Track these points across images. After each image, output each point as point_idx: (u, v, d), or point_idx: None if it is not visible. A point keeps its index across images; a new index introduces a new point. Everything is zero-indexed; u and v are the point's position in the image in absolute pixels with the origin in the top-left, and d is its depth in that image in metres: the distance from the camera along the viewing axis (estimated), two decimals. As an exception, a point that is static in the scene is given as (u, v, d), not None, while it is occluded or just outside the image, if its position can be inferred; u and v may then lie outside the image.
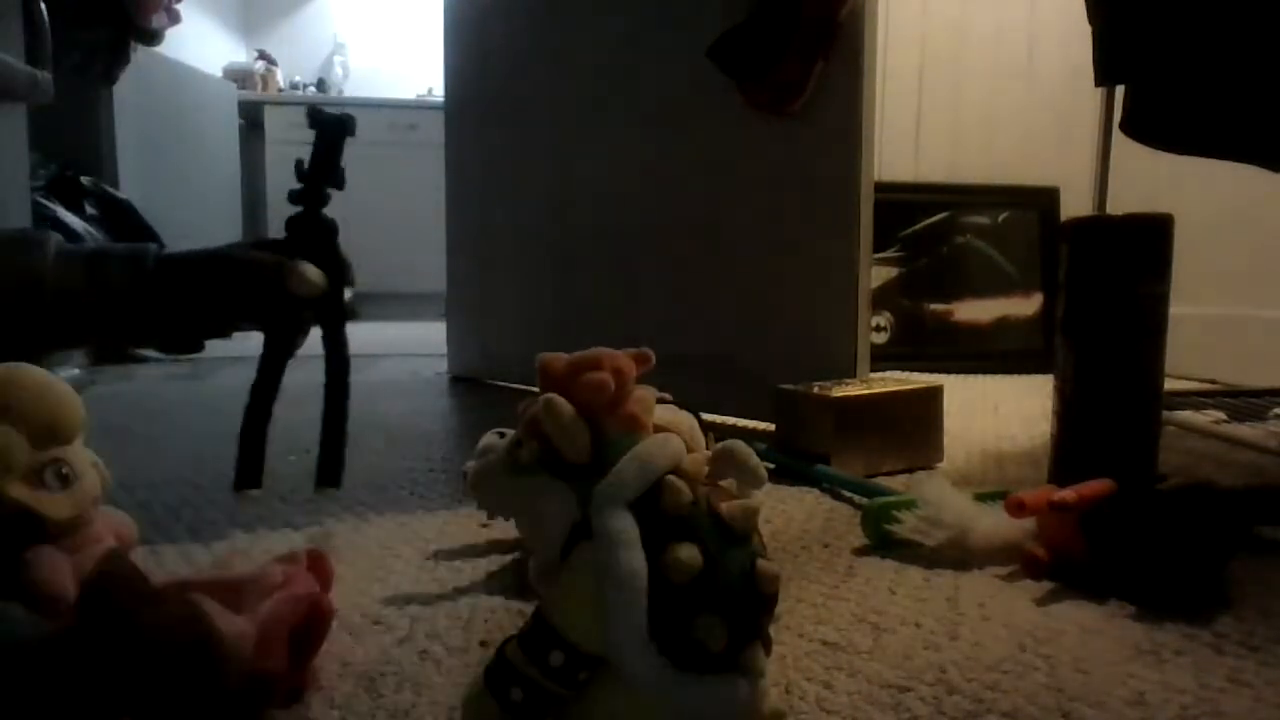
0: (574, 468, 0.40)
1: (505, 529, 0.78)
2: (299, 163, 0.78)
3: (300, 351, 0.80)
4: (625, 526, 0.37)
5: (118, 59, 2.46)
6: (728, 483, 0.42)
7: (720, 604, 0.37)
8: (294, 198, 0.77)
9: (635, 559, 0.37)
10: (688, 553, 0.36)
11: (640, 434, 0.41)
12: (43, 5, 1.51)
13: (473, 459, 0.54)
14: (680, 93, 1.35)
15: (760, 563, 0.38)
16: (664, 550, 0.37)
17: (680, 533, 0.37)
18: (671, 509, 0.38)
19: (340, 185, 0.78)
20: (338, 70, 4.67)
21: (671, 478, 0.39)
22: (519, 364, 1.66)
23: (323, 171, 0.77)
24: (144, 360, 2.33)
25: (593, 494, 0.39)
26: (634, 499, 0.38)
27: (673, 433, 0.42)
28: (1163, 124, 0.99)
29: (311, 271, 0.69)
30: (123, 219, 2.34)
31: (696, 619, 0.36)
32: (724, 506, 0.39)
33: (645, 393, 0.44)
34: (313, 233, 0.77)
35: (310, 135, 0.78)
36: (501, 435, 0.50)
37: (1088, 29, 0.99)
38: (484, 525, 0.81)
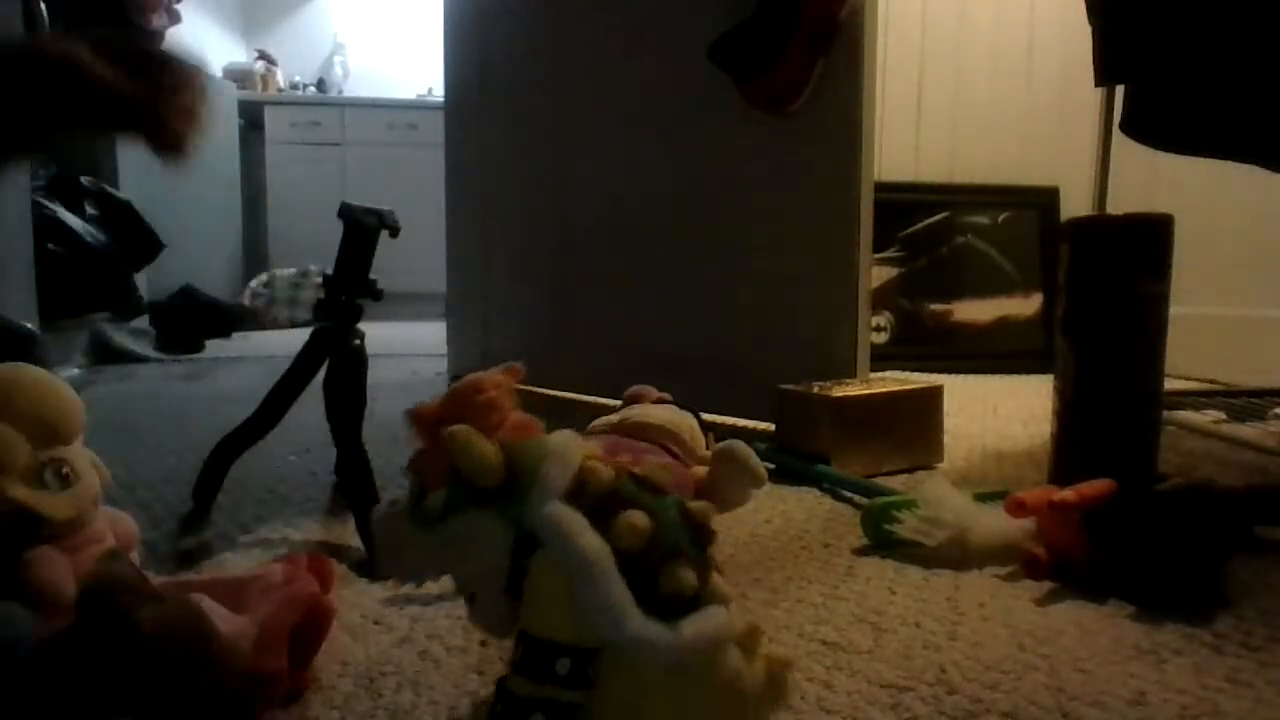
0: (490, 491, 0.40)
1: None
2: (326, 278, 0.71)
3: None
4: (572, 517, 0.39)
5: (118, 59, 2.46)
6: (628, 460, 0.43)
7: (677, 550, 0.39)
8: (321, 312, 0.70)
9: (594, 540, 0.38)
10: (637, 518, 0.38)
11: (538, 436, 0.43)
12: (43, 5, 1.51)
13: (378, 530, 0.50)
14: (680, 93, 1.35)
15: (689, 503, 0.41)
16: (610, 525, 0.38)
17: (618, 504, 0.39)
18: (601, 488, 0.40)
19: (376, 297, 0.71)
20: (338, 70, 4.66)
21: (589, 462, 0.41)
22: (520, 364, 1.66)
23: (351, 279, 0.69)
24: (144, 360, 2.33)
25: (527, 503, 0.39)
26: (565, 492, 0.40)
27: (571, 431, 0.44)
28: (1163, 124, 0.99)
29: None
30: (123, 219, 2.34)
31: (664, 572, 0.38)
32: (638, 470, 0.41)
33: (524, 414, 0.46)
34: (339, 357, 0.70)
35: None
36: (393, 504, 0.45)
37: (1088, 28, 0.99)
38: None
